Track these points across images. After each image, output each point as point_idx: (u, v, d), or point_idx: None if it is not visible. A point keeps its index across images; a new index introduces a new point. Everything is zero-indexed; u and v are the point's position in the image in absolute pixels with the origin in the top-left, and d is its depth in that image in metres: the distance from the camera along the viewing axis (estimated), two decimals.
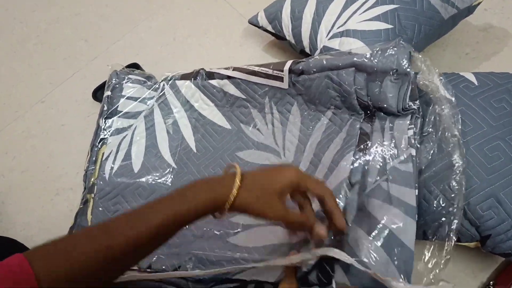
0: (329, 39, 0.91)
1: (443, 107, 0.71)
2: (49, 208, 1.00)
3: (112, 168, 0.94)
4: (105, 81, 1.06)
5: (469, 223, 0.70)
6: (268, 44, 1.17)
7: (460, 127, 0.71)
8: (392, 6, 0.87)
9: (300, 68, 0.83)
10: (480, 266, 0.82)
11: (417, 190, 0.66)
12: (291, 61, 0.85)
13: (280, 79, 0.86)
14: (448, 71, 0.86)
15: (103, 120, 0.99)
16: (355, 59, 0.76)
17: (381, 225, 0.64)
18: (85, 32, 1.29)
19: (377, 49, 0.76)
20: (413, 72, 0.72)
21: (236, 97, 0.93)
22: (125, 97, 1.01)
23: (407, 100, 0.72)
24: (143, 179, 0.91)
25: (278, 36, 1.06)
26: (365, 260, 0.62)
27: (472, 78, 0.80)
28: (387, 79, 0.74)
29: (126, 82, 1.02)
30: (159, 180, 0.91)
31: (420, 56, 0.75)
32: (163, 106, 0.99)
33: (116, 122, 0.99)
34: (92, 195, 0.91)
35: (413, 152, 0.69)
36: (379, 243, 0.63)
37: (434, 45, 0.99)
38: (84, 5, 1.35)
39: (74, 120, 1.14)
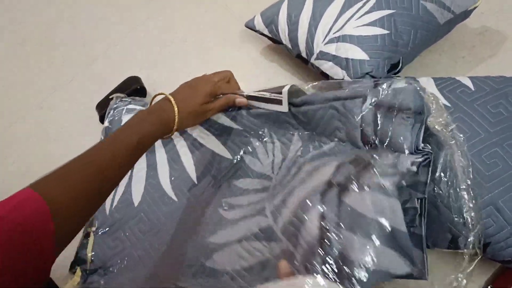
0: (325, 44, 0.91)
1: (454, 156, 0.67)
2: None
3: (112, 202, 0.92)
4: (109, 94, 1.06)
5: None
6: (265, 47, 1.17)
7: (469, 182, 0.67)
8: (388, 11, 0.87)
9: (301, 100, 0.80)
10: (478, 270, 0.83)
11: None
12: (289, 84, 0.82)
13: (279, 102, 0.83)
14: (445, 75, 0.86)
15: None
16: (366, 91, 0.72)
17: (368, 219, 0.61)
18: (84, 34, 1.29)
19: (384, 84, 0.71)
20: (426, 113, 0.68)
21: (232, 128, 0.90)
22: None
23: (420, 142, 0.66)
24: (143, 214, 0.90)
25: (275, 40, 1.06)
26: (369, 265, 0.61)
27: (469, 83, 0.80)
28: (399, 116, 0.68)
29: (125, 114, 0.99)
30: (159, 214, 0.89)
31: (431, 95, 0.69)
32: None
33: None
34: (93, 229, 0.90)
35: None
36: (377, 242, 0.62)
37: (430, 49, 0.99)
38: (83, 8, 1.35)
39: (73, 123, 1.13)
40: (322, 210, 0.63)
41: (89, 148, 0.65)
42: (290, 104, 0.81)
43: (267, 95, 0.83)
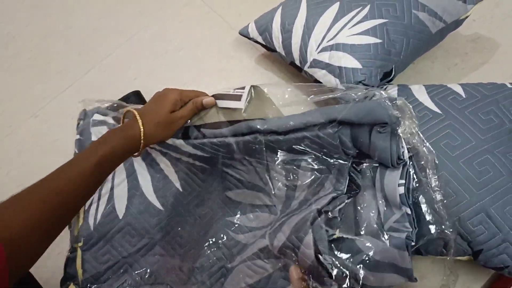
0: (319, 52, 0.92)
1: (422, 163, 0.69)
2: None
3: (95, 217, 0.88)
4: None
5: (460, 238, 0.71)
6: (260, 56, 1.17)
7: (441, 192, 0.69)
8: (381, 21, 0.88)
9: (269, 128, 0.76)
10: (472, 277, 0.83)
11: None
12: (255, 86, 0.82)
13: (238, 97, 0.80)
14: (438, 82, 0.86)
15: None
16: (338, 115, 0.70)
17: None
18: (78, 45, 1.29)
19: (355, 97, 0.73)
20: (400, 122, 0.68)
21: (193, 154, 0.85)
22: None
23: (400, 151, 0.68)
24: (130, 227, 0.88)
25: (269, 48, 1.07)
26: None
27: (460, 90, 0.81)
28: (375, 129, 0.68)
29: (93, 126, 0.93)
30: (147, 226, 0.88)
31: (402, 102, 0.70)
32: None
33: None
34: (79, 244, 0.88)
35: (408, 210, 0.67)
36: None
37: (423, 57, 0.99)
38: (77, 19, 1.35)
39: (67, 135, 1.13)
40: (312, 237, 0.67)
41: (51, 172, 0.64)
42: (258, 133, 0.77)
43: (230, 91, 0.82)
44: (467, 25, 1.00)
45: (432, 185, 0.68)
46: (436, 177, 0.68)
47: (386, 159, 0.68)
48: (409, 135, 0.69)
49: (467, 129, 0.74)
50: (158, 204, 0.89)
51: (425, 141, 0.72)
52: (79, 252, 0.87)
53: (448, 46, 1.04)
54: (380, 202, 0.71)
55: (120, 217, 0.88)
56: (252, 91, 0.81)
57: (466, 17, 0.94)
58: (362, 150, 0.73)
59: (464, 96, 0.79)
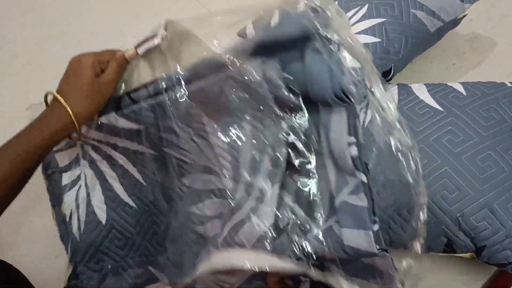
0: None
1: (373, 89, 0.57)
2: (38, 227, 0.99)
3: (79, 226, 0.84)
4: None
5: (463, 234, 0.70)
6: None
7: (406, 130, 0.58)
8: (379, 20, 0.88)
9: (187, 75, 0.66)
10: (473, 276, 0.83)
11: (376, 225, 0.56)
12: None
13: (154, 36, 0.71)
14: (436, 82, 0.86)
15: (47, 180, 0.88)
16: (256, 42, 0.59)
17: None
18: (74, 50, 1.27)
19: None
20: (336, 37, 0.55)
21: (131, 130, 0.76)
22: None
23: (344, 80, 0.54)
24: (114, 230, 0.84)
25: None
26: None
27: (460, 88, 0.81)
28: (310, 48, 0.55)
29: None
30: (128, 227, 0.84)
31: (335, 8, 0.59)
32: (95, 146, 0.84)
33: (64, 177, 0.85)
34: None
35: (364, 178, 0.58)
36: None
37: (421, 56, 1.00)
38: (72, 24, 1.34)
39: None
40: None
41: None
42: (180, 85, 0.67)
43: (148, 36, 0.74)
44: (464, 24, 1.01)
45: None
46: (382, 90, 0.57)
47: (324, 88, 0.55)
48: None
49: (469, 126, 0.74)
50: (131, 202, 0.83)
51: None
52: (69, 268, 0.84)
53: (446, 45, 1.05)
54: (330, 168, 0.60)
55: (104, 222, 0.84)
56: (168, 26, 0.73)
57: (464, 16, 0.94)
58: (299, 88, 0.60)
59: (465, 94, 0.79)
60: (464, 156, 0.71)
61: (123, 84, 0.76)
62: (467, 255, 0.75)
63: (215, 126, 0.68)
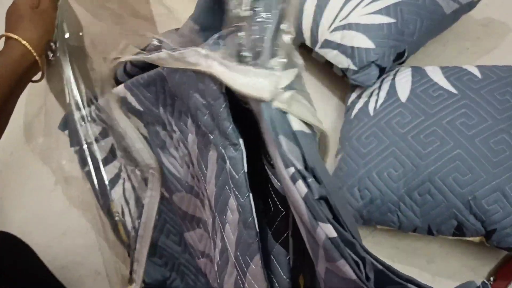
0: (331, 32, 0.90)
1: None
2: (46, 204, 0.99)
3: (133, 221, 0.75)
4: None
5: (474, 218, 0.70)
6: None
7: None
8: (395, 0, 0.86)
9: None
10: (481, 262, 0.83)
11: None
12: None
13: None
14: (449, 66, 0.86)
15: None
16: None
17: None
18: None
19: None
20: None
21: (138, 111, 0.68)
22: None
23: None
24: (168, 225, 0.77)
25: None
26: None
27: (476, 71, 0.80)
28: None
29: None
30: (178, 220, 0.76)
31: None
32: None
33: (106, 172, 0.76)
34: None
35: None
36: None
37: (434, 40, 0.99)
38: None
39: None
40: None
41: None
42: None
43: None
44: (479, 9, 0.99)
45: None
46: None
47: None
48: None
49: (484, 108, 0.73)
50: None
51: None
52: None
53: (460, 30, 1.03)
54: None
55: (157, 217, 0.74)
56: None
57: None
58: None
59: (480, 77, 0.78)
60: (478, 139, 0.71)
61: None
62: (477, 239, 0.75)
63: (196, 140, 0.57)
